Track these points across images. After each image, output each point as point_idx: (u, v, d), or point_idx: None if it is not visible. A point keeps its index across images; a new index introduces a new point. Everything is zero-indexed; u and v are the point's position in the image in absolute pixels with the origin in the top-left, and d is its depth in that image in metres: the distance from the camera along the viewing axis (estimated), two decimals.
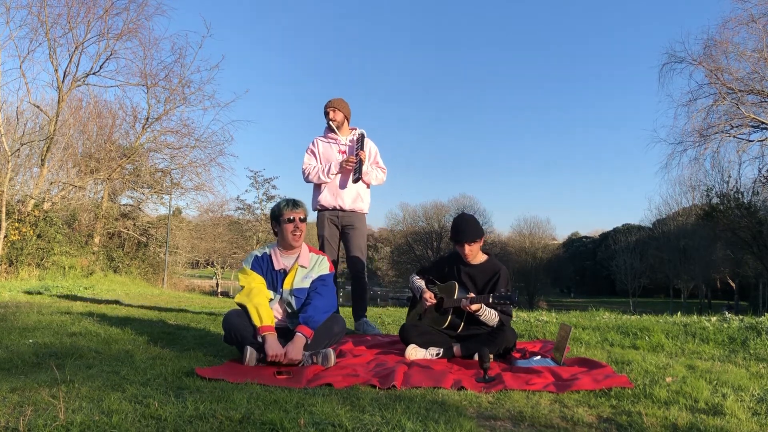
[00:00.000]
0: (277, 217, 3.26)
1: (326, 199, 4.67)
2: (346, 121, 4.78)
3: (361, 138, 4.70)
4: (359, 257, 4.70)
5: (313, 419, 1.86)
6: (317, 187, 4.75)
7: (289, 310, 3.25)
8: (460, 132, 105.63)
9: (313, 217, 4.75)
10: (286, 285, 3.23)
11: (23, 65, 14.89)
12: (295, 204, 3.28)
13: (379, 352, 3.48)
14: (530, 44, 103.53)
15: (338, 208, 4.67)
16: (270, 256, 3.28)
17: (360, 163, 4.58)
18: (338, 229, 4.72)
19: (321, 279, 3.27)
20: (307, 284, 3.25)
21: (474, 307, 3.37)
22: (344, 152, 4.71)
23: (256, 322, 3.02)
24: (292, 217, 3.22)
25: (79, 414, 1.81)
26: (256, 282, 3.18)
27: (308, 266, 3.29)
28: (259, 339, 2.98)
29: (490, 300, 3.32)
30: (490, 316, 3.43)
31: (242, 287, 3.21)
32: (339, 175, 4.67)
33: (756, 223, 24.75)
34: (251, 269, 3.22)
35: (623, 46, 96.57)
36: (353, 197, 4.69)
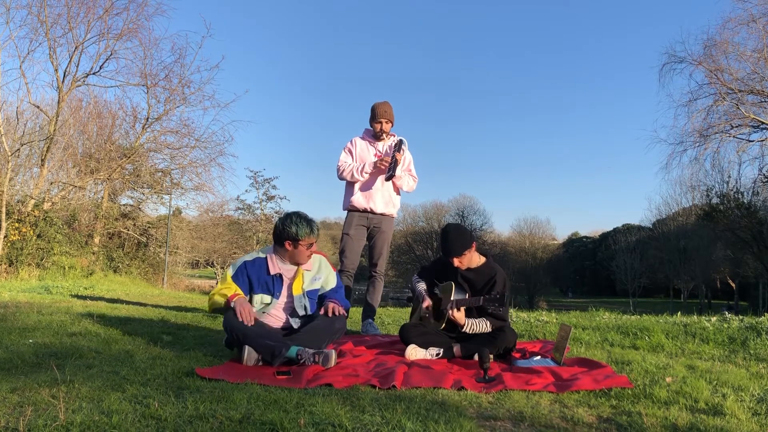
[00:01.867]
0: (295, 239, 3.29)
1: (358, 200, 4.73)
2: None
3: (400, 143, 4.76)
4: (380, 260, 4.79)
5: (313, 419, 1.86)
6: (350, 187, 4.80)
7: (302, 312, 3.35)
8: (460, 132, 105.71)
9: (342, 215, 4.83)
10: (296, 290, 3.34)
11: (23, 65, 14.87)
12: (314, 230, 3.35)
13: (379, 352, 3.49)
14: (530, 45, 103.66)
15: (369, 210, 4.73)
16: (266, 260, 3.34)
17: (395, 162, 4.61)
18: (365, 230, 4.77)
19: (335, 283, 3.48)
20: (317, 285, 3.41)
21: (458, 315, 3.38)
22: (379, 156, 4.77)
23: (221, 300, 3.17)
24: (311, 244, 3.33)
25: (79, 414, 1.81)
26: (226, 291, 3.25)
27: (312, 269, 3.41)
28: (232, 305, 3.11)
29: (481, 302, 3.34)
30: (477, 327, 3.43)
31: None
32: (372, 177, 4.72)
33: (756, 223, 24.78)
34: (232, 279, 3.30)
35: (623, 47, 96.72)
36: (385, 201, 4.76)
